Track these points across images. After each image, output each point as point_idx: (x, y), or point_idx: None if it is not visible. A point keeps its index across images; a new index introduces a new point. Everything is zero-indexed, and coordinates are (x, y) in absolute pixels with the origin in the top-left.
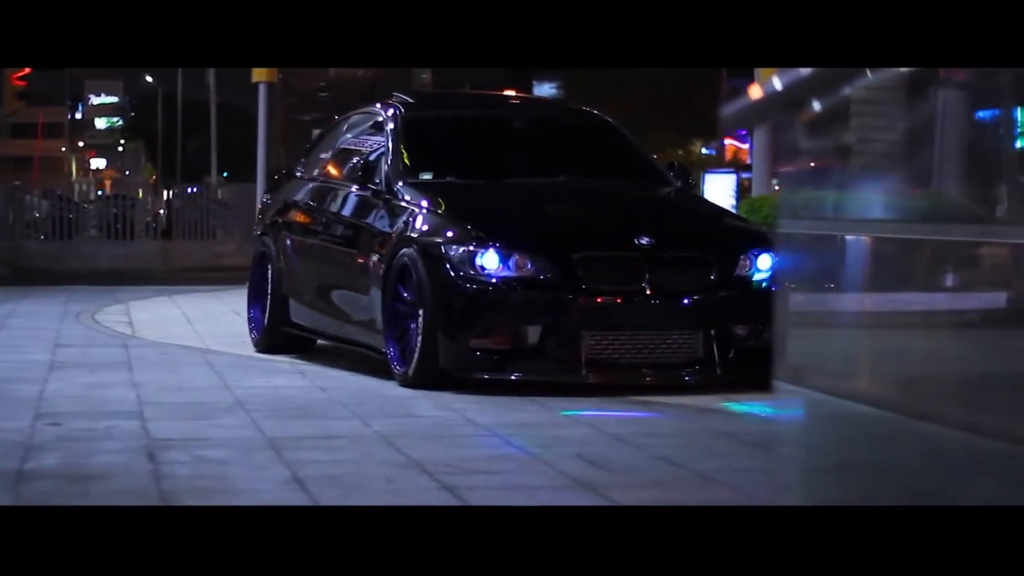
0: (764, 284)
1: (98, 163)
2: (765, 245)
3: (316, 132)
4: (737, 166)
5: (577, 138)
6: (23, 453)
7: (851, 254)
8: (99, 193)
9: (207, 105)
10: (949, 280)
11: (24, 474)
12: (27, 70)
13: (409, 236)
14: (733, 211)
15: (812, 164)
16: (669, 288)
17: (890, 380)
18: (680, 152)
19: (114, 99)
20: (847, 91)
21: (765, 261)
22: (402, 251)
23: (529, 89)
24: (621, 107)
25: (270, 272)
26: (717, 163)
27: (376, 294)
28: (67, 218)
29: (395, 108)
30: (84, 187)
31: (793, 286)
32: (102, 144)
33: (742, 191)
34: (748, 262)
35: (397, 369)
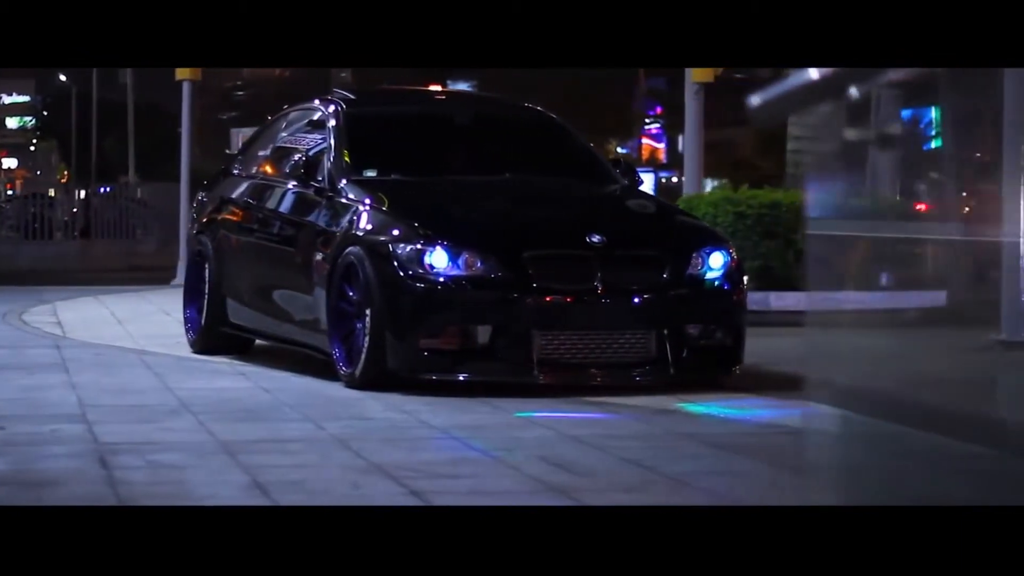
0: (717, 283)
1: (9, 163)
2: (717, 243)
3: (234, 132)
4: (654, 165)
5: (521, 135)
6: None
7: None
8: (10, 193)
9: (120, 104)
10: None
11: None
12: None
13: (355, 234)
14: (682, 209)
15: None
16: (621, 287)
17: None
18: None
19: (25, 98)
20: (884, 79)
21: (717, 259)
22: (348, 249)
23: (444, 87)
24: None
25: (207, 271)
26: (634, 163)
27: (320, 293)
28: None
29: (336, 104)
30: None
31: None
32: (13, 144)
33: (660, 190)
34: (700, 260)
35: (343, 370)
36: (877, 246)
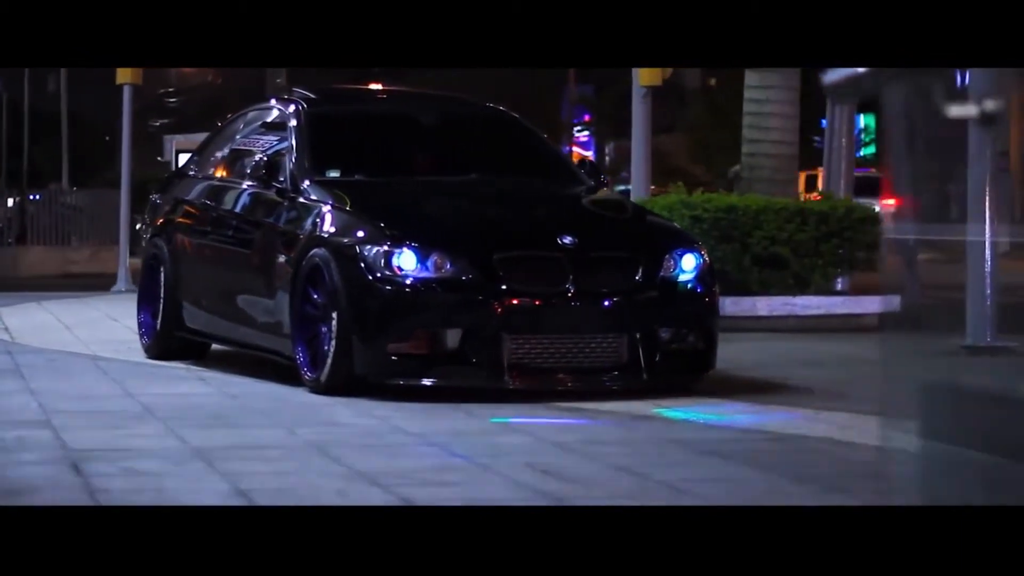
0: (690, 285)
1: None
2: (689, 245)
3: (167, 139)
4: None
5: (486, 135)
6: None
7: None
8: None
9: (48, 112)
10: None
11: None
12: None
13: (320, 236)
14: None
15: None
16: (593, 289)
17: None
18: None
19: None
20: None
21: (689, 261)
22: (312, 251)
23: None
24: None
25: (162, 275)
26: None
27: (283, 297)
28: None
29: (297, 104)
30: None
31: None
32: None
33: None
34: (673, 262)
35: (308, 375)
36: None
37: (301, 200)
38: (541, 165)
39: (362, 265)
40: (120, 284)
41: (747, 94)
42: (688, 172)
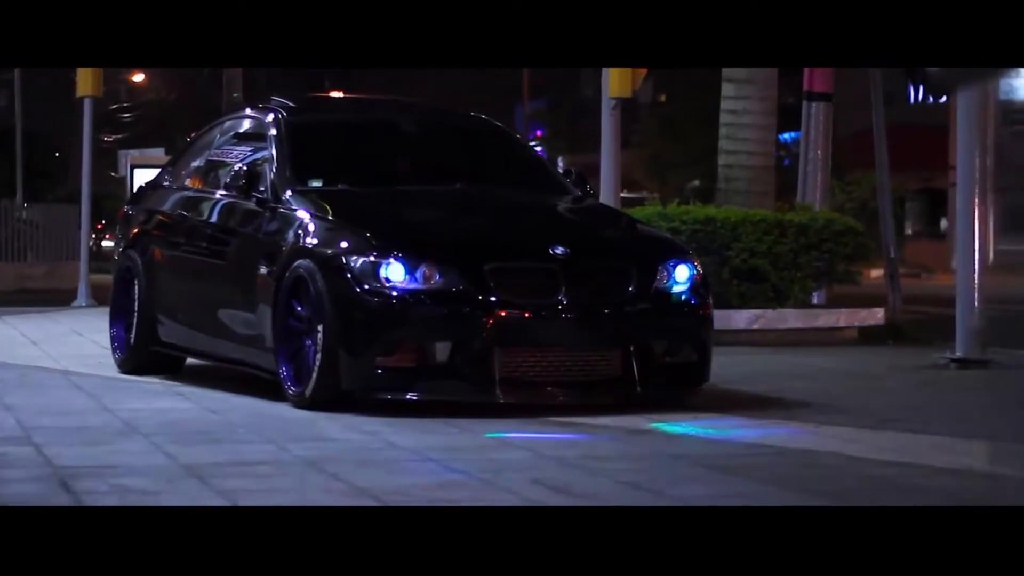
0: (684, 297)
1: None
2: (682, 256)
3: (121, 154)
4: None
5: (470, 144)
6: None
7: None
8: None
9: (2, 128)
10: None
11: None
12: None
13: (303, 247)
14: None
15: None
16: (587, 301)
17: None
18: None
19: None
20: None
21: (683, 272)
22: (296, 263)
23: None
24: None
25: (136, 288)
26: None
27: (265, 310)
28: None
29: (275, 112)
30: None
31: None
32: None
33: None
34: (666, 273)
35: (292, 389)
36: None
37: (282, 210)
38: (527, 174)
39: (349, 276)
40: (80, 299)
41: (723, 104)
42: (643, 188)
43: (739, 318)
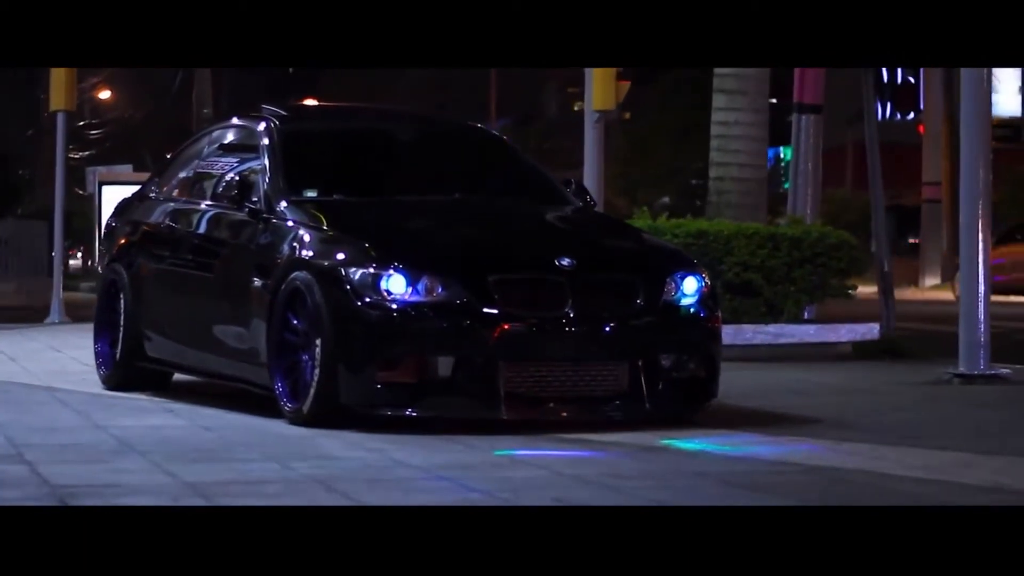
0: (692, 310)
1: None
2: (690, 267)
3: (89, 171)
4: None
5: (468, 153)
6: None
7: None
8: None
9: None
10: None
11: None
12: None
13: (300, 258)
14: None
15: None
16: (594, 314)
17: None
18: None
19: None
20: None
21: (691, 284)
22: (293, 275)
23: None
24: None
25: (122, 302)
26: None
27: (259, 324)
28: None
29: (268, 121)
30: None
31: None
32: None
33: None
34: (674, 285)
35: (288, 406)
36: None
37: (276, 221)
38: (527, 184)
39: (348, 288)
40: (53, 316)
41: (714, 116)
42: (612, 204)
43: (729, 333)
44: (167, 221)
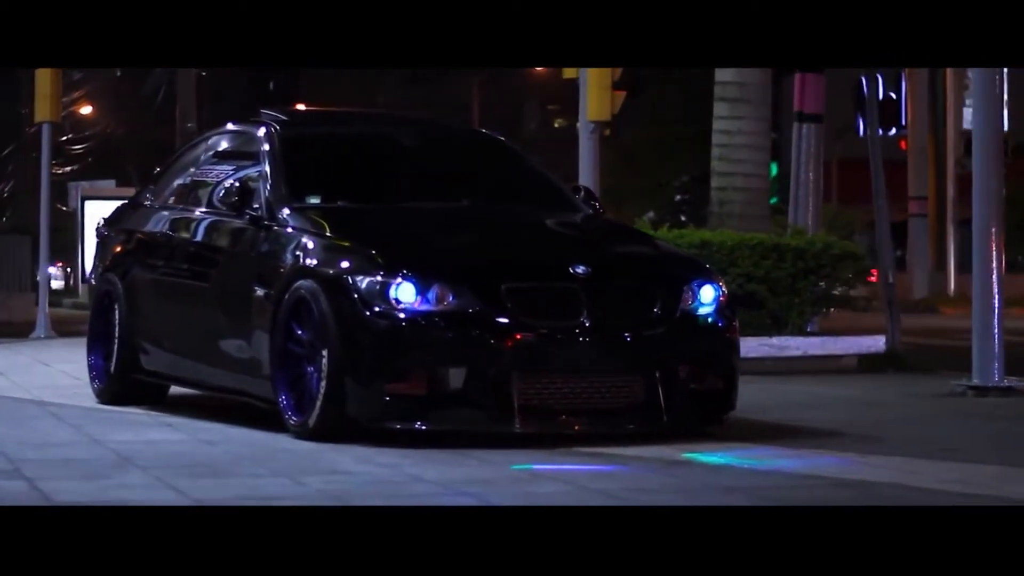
0: (710, 319)
1: None
2: (707, 275)
3: (71, 186)
4: None
5: (473, 159)
6: None
7: None
8: None
9: None
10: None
11: None
12: None
13: (305, 267)
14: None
15: None
16: (610, 323)
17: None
18: None
19: None
20: None
21: (708, 293)
22: (297, 284)
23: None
24: None
25: (116, 314)
26: None
27: (261, 335)
28: None
29: (268, 127)
30: None
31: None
32: None
33: None
34: (691, 294)
35: (292, 419)
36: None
37: (278, 229)
38: (535, 191)
39: (355, 297)
40: (39, 330)
41: (715, 125)
42: None
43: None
44: (163, 229)
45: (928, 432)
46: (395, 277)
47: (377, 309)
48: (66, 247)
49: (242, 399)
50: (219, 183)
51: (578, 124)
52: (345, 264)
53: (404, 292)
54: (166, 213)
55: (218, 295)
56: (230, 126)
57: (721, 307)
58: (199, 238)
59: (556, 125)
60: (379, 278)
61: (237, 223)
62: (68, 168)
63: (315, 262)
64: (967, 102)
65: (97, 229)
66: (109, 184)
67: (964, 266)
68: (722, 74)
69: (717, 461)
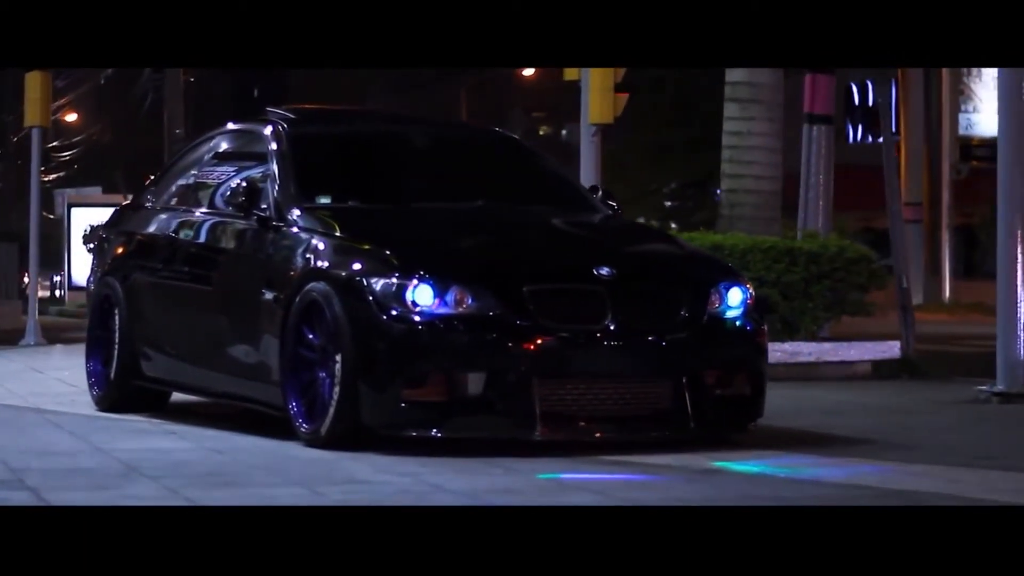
0: (739, 323)
1: None
2: (734, 277)
3: (57, 193)
4: None
5: (488, 159)
6: None
7: None
8: None
9: None
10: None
11: None
12: None
13: (316, 269)
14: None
15: None
16: (636, 327)
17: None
18: None
19: None
20: None
21: (736, 295)
22: (309, 286)
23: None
24: None
25: (116, 319)
26: None
27: (270, 339)
28: None
29: (275, 125)
30: None
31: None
32: None
33: None
34: (718, 297)
35: (304, 427)
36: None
37: (288, 230)
38: (552, 191)
39: (370, 300)
40: (29, 338)
41: (726, 126)
42: None
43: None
44: (166, 231)
45: (960, 439)
46: (411, 279)
47: (393, 312)
48: (51, 255)
49: (247, 406)
50: (224, 183)
51: (563, 131)
52: (359, 266)
53: (421, 294)
54: (168, 215)
55: (224, 298)
56: (233, 125)
57: (749, 310)
58: (203, 240)
59: (541, 132)
60: (395, 280)
61: (244, 224)
62: (54, 175)
63: (327, 264)
64: (963, 108)
65: (95, 232)
66: (96, 191)
67: (959, 272)
68: (733, 74)
69: (751, 470)
